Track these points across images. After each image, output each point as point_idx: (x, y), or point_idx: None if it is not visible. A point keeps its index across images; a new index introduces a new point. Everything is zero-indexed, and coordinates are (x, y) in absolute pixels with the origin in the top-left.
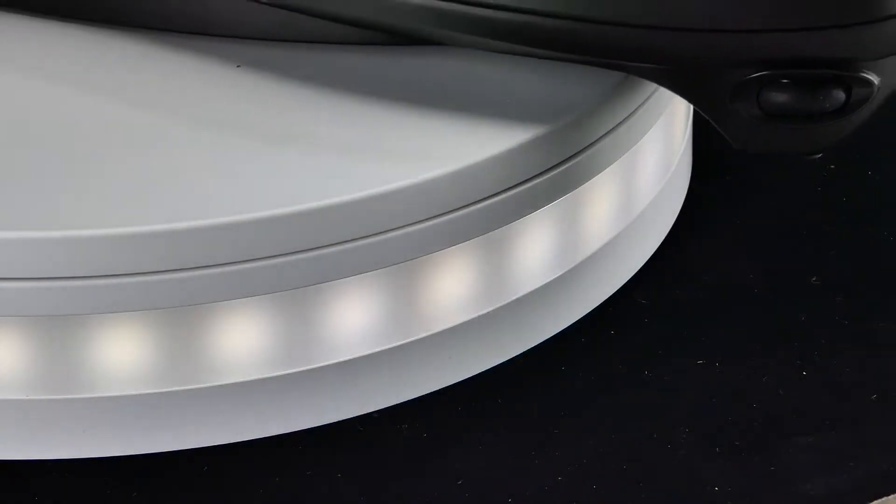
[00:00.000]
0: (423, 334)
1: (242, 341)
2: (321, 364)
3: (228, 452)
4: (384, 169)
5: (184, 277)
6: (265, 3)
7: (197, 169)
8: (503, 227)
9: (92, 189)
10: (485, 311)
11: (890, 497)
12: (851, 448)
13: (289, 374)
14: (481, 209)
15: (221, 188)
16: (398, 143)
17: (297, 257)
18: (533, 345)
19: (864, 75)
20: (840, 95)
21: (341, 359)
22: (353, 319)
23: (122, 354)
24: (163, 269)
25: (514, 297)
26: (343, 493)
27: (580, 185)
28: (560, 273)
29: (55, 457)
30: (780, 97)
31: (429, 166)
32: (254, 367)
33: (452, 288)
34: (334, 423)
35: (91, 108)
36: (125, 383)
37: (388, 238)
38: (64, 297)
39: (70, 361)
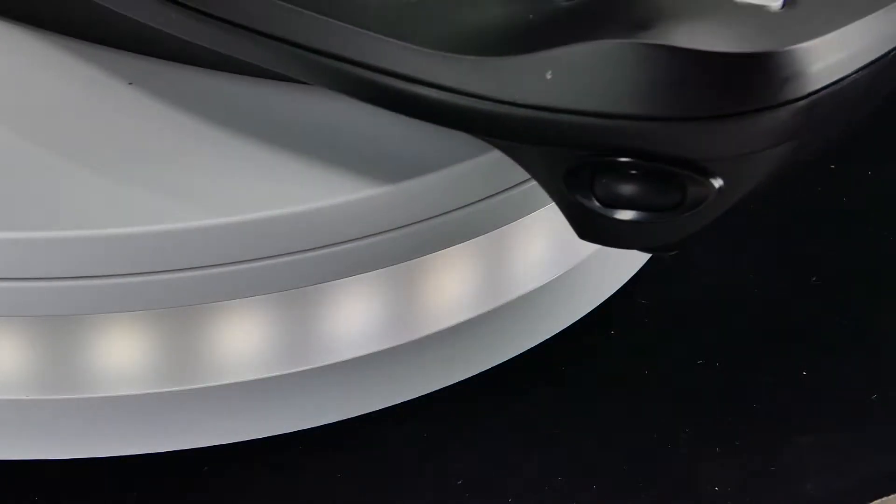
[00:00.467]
0: (423, 334)
1: (242, 341)
2: (321, 364)
3: (228, 452)
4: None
5: (184, 277)
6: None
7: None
8: (503, 227)
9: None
10: (484, 311)
11: (890, 497)
12: (851, 448)
13: (289, 374)
14: (481, 209)
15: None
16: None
17: (297, 257)
18: (533, 345)
19: (701, 175)
20: (673, 193)
21: (341, 359)
22: (353, 319)
23: (122, 354)
24: (163, 269)
25: (513, 297)
26: (343, 493)
27: None
28: (560, 273)
29: (55, 457)
30: (611, 186)
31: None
32: (254, 367)
33: (452, 288)
34: (334, 423)
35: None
36: (125, 383)
37: (386, 238)
38: (64, 297)
39: (70, 361)
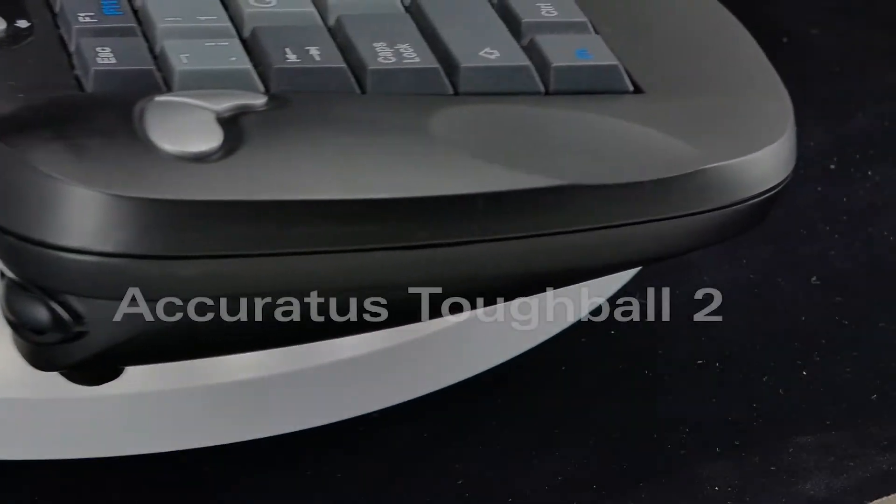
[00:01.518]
0: (423, 334)
1: None
2: (321, 364)
3: (228, 452)
4: None
5: None
6: None
7: None
8: None
9: None
10: (484, 311)
11: (890, 497)
12: (851, 448)
13: (289, 374)
14: None
15: None
16: None
17: None
18: (533, 345)
19: (61, 308)
20: (41, 318)
21: (341, 358)
22: None
23: None
24: None
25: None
26: (343, 493)
27: None
28: None
29: (55, 457)
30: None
31: None
32: (254, 367)
33: None
34: (334, 423)
35: None
36: (124, 383)
37: None
38: None
39: None
